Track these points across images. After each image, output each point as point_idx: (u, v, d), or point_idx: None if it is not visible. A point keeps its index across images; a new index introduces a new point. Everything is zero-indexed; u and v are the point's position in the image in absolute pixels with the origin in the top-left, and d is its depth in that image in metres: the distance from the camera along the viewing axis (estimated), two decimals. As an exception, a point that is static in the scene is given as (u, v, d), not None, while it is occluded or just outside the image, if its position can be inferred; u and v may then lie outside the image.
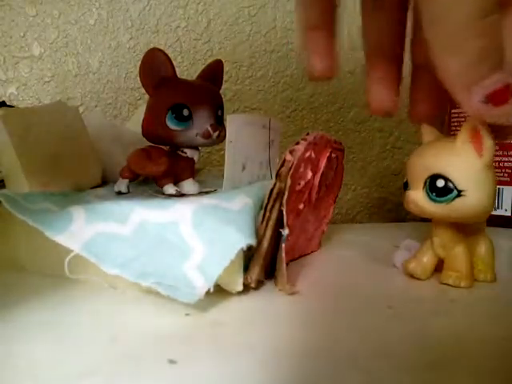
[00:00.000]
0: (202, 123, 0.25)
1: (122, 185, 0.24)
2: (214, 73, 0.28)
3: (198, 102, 0.25)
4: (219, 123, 0.26)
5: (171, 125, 0.24)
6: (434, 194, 0.22)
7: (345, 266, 0.28)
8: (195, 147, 0.26)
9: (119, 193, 0.24)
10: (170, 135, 0.24)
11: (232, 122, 0.24)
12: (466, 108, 0.19)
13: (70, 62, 0.41)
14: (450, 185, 0.21)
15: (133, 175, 0.24)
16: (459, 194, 0.21)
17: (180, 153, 0.25)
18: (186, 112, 0.24)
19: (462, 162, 0.21)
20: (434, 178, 0.21)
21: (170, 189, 0.24)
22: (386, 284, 0.24)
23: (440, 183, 0.21)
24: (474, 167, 0.21)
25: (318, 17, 0.21)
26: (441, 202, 0.21)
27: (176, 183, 0.25)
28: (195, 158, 0.26)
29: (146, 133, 0.25)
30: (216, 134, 0.25)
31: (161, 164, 0.23)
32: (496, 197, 0.23)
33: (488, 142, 0.20)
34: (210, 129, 0.25)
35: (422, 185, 0.22)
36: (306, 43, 0.21)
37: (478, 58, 0.17)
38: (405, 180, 0.24)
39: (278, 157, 0.30)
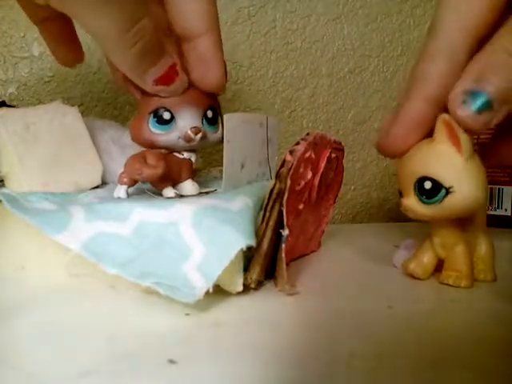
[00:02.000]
0: (183, 126, 0.24)
1: (120, 191, 0.24)
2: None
3: (181, 105, 0.24)
4: (212, 124, 0.25)
5: (153, 128, 0.24)
6: (424, 196, 0.22)
7: (345, 266, 0.28)
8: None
9: (118, 199, 0.24)
10: (153, 139, 0.24)
11: (228, 121, 0.24)
12: (147, 90, 0.24)
13: (69, 62, 0.41)
14: (437, 184, 0.21)
15: (131, 181, 0.24)
16: (448, 191, 0.21)
17: (177, 154, 0.25)
18: (167, 115, 0.24)
19: (444, 160, 0.21)
20: (421, 180, 0.22)
21: (169, 192, 0.24)
22: (386, 284, 0.24)
23: (427, 185, 0.21)
24: (456, 162, 0.21)
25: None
26: (432, 203, 0.21)
27: (175, 185, 0.25)
28: (192, 159, 0.26)
29: (134, 137, 0.25)
30: (198, 136, 0.24)
31: (158, 168, 0.23)
32: (489, 191, 0.23)
33: (463, 135, 0.20)
34: (190, 132, 0.24)
35: (412, 190, 0.22)
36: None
37: (141, 56, 0.22)
38: (398, 188, 0.24)
39: (277, 156, 0.30)
